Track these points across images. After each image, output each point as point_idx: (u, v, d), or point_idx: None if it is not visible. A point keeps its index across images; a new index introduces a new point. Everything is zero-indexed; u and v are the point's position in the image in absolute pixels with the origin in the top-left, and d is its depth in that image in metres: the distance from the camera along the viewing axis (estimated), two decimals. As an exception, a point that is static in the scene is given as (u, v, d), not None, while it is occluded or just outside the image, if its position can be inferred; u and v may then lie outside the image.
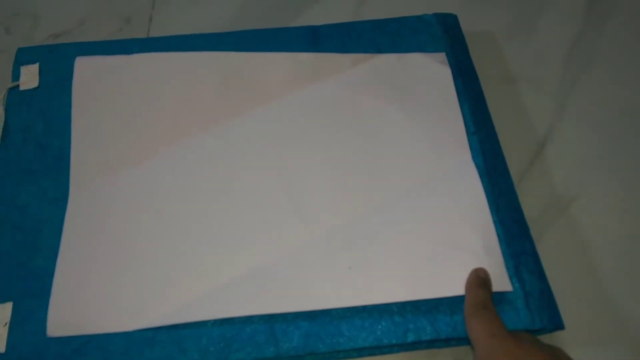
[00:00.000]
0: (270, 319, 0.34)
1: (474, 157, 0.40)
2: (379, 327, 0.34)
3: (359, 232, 0.37)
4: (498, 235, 0.36)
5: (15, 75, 0.44)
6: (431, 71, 0.44)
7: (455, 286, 0.34)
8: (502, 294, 0.35)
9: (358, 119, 0.42)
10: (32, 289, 0.35)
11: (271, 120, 0.41)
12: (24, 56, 0.45)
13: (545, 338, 0.35)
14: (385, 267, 0.35)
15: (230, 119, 0.41)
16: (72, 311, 0.34)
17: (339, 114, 0.42)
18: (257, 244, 0.36)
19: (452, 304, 0.35)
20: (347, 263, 0.35)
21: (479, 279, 0.34)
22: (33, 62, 0.44)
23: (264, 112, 0.42)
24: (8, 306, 0.34)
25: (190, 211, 0.38)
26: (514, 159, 0.42)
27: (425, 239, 0.36)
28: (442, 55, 0.45)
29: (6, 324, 0.34)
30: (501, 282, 0.34)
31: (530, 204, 0.40)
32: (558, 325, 0.35)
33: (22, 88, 0.43)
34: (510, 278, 0.35)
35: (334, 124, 0.41)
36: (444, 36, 0.46)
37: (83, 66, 0.43)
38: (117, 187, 0.38)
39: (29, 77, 0.43)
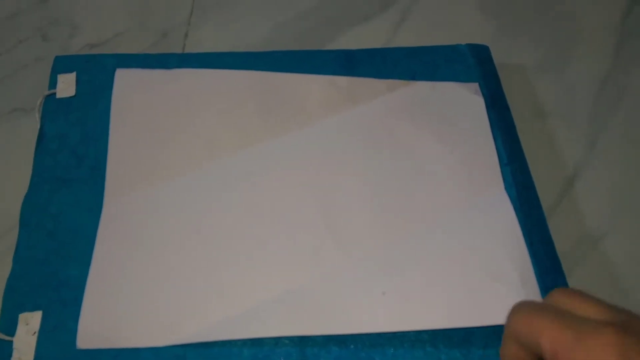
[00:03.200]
0: (300, 342, 0.34)
1: (507, 188, 0.40)
2: (411, 356, 0.34)
3: (394, 259, 0.36)
4: (532, 268, 0.36)
5: (52, 83, 0.44)
6: (465, 101, 0.44)
7: (490, 316, 0.34)
8: (535, 328, 0.34)
9: (393, 145, 0.42)
10: (62, 299, 0.35)
11: (308, 142, 0.41)
12: (61, 64, 0.45)
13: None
14: (420, 294, 0.35)
15: (268, 138, 0.41)
16: (102, 323, 0.34)
17: (374, 140, 0.42)
18: (291, 265, 0.36)
19: (485, 336, 0.34)
20: (381, 289, 0.35)
21: None
22: (70, 71, 0.44)
23: (301, 134, 0.42)
24: (37, 315, 0.34)
25: (225, 229, 0.37)
26: (544, 194, 0.42)
27: (460, 268, 0.36)
28: (475, 86, 0.45)
29: (35, 332, 0.33)
30: None
31: (560, 239, 0.40)
32: (590, 362, 0.34)
33: (58, 96, 0.43)
34: (544, 313, 0.35)
35: (369, 148, 0.42)
36: (477, 67, 0.47)
37: (123, 78, 0.43)
38: (152, 202, 0.38)
39: (66, 85, 0.44)
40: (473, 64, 0.47)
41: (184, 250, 0.36)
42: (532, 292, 0.35)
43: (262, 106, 0.43)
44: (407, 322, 0.34)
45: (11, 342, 0.33)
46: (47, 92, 0.43)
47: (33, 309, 0.34)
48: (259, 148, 0.41)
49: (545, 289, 0.36)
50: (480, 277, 0.36)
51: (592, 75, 0.50)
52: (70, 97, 0.43)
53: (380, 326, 0.34)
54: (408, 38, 0.52)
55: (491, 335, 0.34)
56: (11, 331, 0.33)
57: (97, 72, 0.44)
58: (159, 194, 0.39)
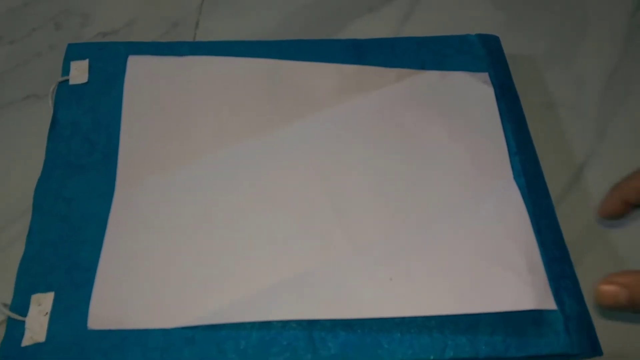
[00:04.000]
0: (308, 326, 0.34)
1: (515, 177, 0.40)
2: (417, 341, 0.34)
3: (401, 245, 0.37)
4: (539, 256, 0.36)
5: (65, 71, 0.44)
6: (474, 90, 0.44)
7: (497, 303, 0.34)
8: (542, 315, 0.35)
9: (401, 133, 0.42)
10: (74, 281, 0.35)
11: (316, 130, 0.42)
12: (74, 52, 0.45)
13: (582, 363, 0.35)
14: (427, 281, 0.35)
15: (277, 126, 0.42)
16: (113, 305, 0.34)
17: (382, 128, 0.42)
18: (300, 250, 0.36)
19: (492, 322, 0.34)
20: (388, 275, 0.35)
21: None
22: (83, 58, 0.45)
23: (310, 122, 0.42)
24: (49, 296, 0.35)
25: (234, 215, 0.38)
26: (553, 183, 0.42)
27: (468, 255, 0.36)
28: (485, 75, 0.45)
29: (47, 313, 0.34)
30: (545, 300, 0.34)
31: (568, 228, 0.40)
32: (596, 350, 0.34)
33: (71, 83, 0.44)
34: (551, 300, 0.35)
35: (377, 137, 0.42)
36: (487, 57, 0.47)
37: (135, 65, 0.44)
38: (163, 187, 0.39)
39: (79, 72, 0.44)
40: (483, 54, 0.47)
41: (194, 235, 0.37)
42: (539, 279, 0.35)
43: (271, 94, 0.43)
44: (414, 308, 0.34)
45: (24, 322, 0.34)
46: (60, 79, 0.44)
47: (45, 290, 0.35)
48: (268, 135, 0.41)
49: (552, 277, 0.36)
50: (488, 264, 0.36)
51: (601, 66, 0.50)
52: (83, 84, 0.44)
53: (387, 311, 0.34)
54: (416, 30, 0.52)
55: (498, 321, 0.34)
56: (24, 312, 0.34)
57: (109, 60, 0.45)
58: (170, 179, 0.39)
